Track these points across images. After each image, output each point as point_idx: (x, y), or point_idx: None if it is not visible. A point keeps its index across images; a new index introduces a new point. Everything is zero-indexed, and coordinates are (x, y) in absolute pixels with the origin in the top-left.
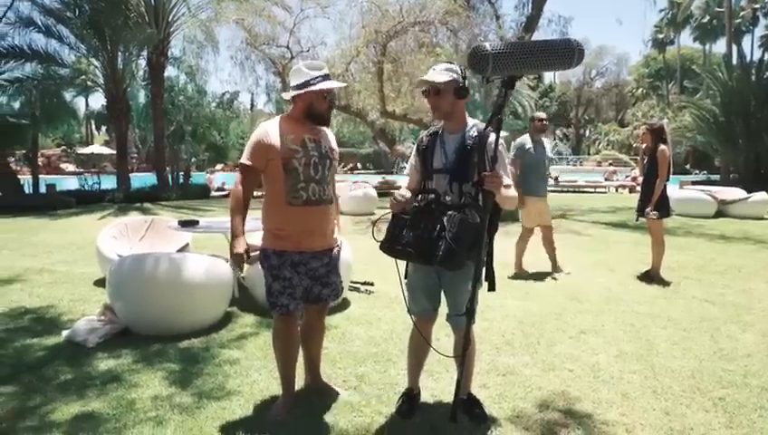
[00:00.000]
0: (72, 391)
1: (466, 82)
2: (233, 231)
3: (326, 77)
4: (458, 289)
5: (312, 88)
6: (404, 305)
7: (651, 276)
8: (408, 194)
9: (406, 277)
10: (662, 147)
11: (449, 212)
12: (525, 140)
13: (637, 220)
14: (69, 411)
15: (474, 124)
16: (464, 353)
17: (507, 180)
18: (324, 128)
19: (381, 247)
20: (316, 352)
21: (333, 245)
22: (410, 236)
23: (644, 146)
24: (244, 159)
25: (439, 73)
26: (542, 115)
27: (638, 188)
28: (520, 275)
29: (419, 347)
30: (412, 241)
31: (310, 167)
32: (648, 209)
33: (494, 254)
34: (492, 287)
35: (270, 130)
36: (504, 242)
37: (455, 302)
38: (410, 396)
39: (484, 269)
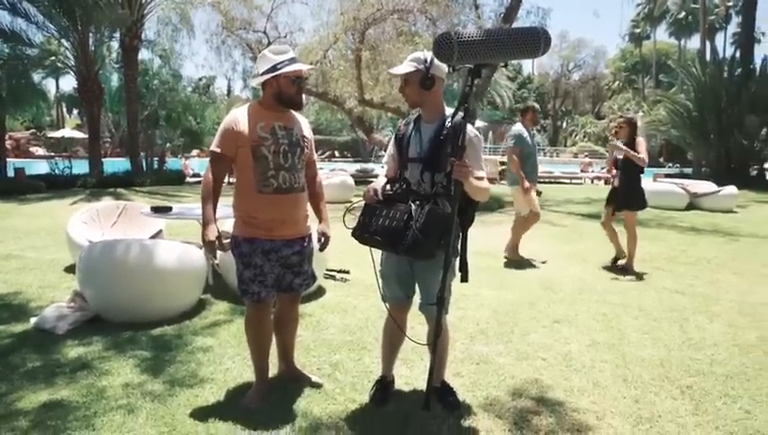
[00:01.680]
0: (40, 379)
1: (438, 72)
2: (204, 219)
3: (293, 60)
4: (430, 278)
5: (279, 72)
6: (379, 293)
7: (625, 268)
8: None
9: (381, 265)
10: (639, 138)
11: (417, 202)
12: (522, 129)
13: (612, 215)
14: (37, 399)
15: (451, 114)
16: (435, 341)
17: (479, 172)
18: (298, 115)
19: (353, 235)
20: (290, 340)
21: (305, 232)
22: (379, 225)
23: (618, 142)
24: (214, 147)
25: (404, 65)
26: (538, 107)
27: (615, 182)
28: (520, 261)
29: (394, 335)
30: (380, 229)
31: (279, 155)
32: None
33: (478, 243)
34: (465, 278)
35: (239, 118)
36: (482, 231)
37: (426, 291)
38: (384, 384)
39: (457, 260)
